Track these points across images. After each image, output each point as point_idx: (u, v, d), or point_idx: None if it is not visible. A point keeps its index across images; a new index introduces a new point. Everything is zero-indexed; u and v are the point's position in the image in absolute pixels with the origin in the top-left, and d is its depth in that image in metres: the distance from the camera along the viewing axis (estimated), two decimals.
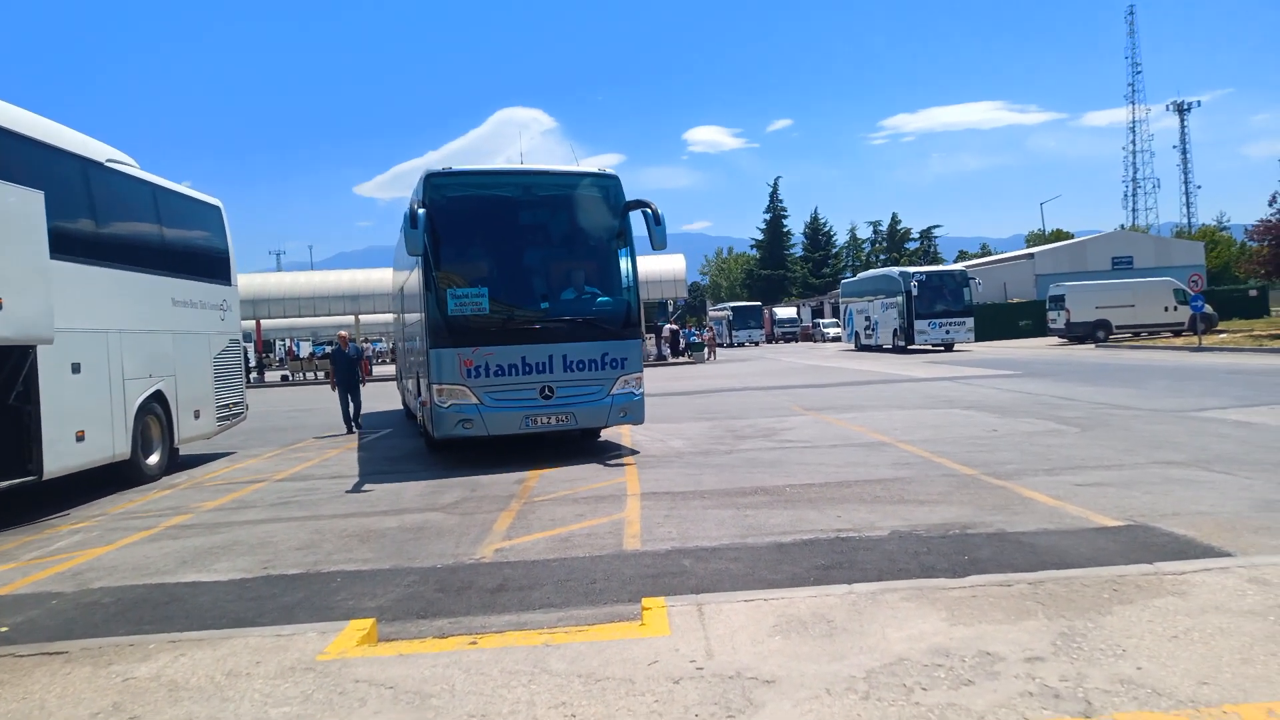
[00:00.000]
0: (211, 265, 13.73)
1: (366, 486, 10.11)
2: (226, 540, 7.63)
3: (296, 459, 12.97)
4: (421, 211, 10.33)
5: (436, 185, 10.92)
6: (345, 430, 15.95)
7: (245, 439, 15.75)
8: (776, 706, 3.60)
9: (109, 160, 11.11)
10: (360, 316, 40.26)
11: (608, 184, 11.77)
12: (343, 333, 17.04)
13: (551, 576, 5.90)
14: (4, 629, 5.40)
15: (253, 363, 41.61)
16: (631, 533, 7.04)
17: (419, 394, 13.06)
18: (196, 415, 12.72)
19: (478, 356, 10.82)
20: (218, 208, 14.09)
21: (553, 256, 12.07)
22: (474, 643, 4.55)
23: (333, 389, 16.54)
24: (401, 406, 19.37)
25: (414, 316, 13.20)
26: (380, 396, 23.08)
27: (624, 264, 11.73)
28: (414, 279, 12.40)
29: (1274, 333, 32.96)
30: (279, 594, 5.87)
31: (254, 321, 40.70)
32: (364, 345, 49.62)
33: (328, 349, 47.16)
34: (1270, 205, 31.33)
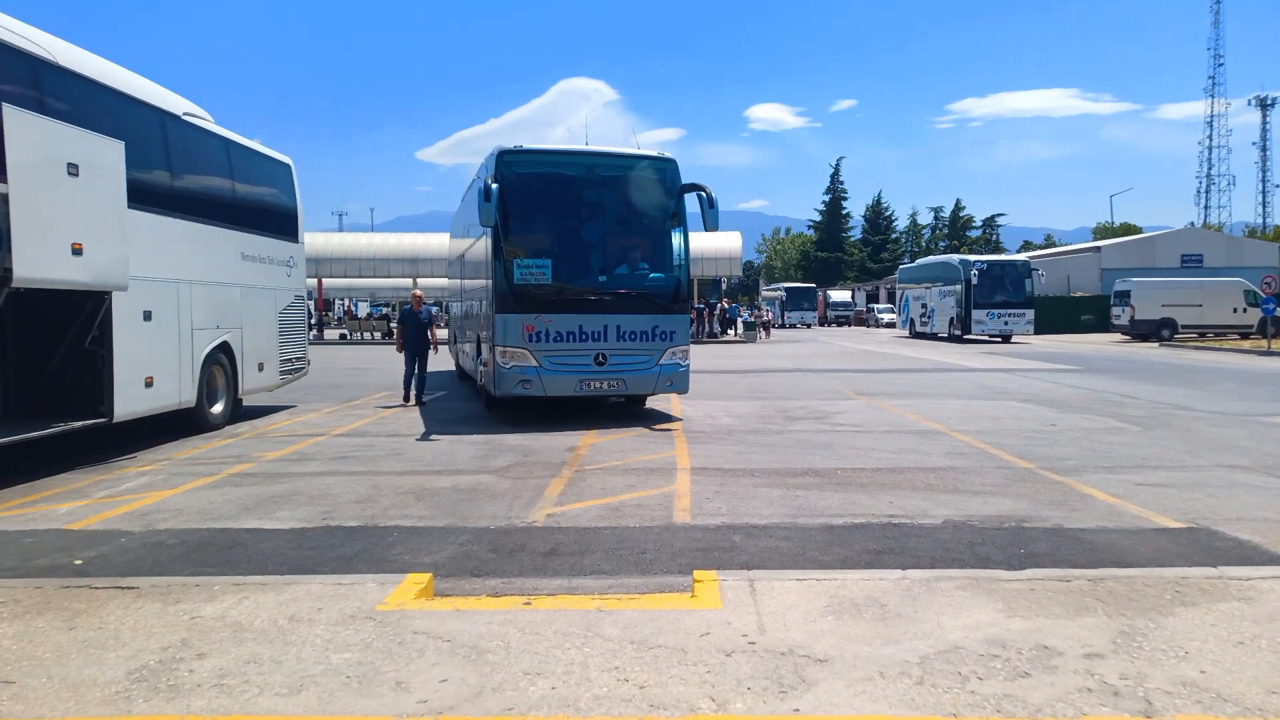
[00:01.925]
0: (280, 222, 13.97)
1: (422, 446, 10.28)
2: (287, 490, 7.83)
3: (354, 415, 13.23)
4: (495, 186, 10.94)
5: (508, 161, 11.64)
6: (403, 399, 14.70)
7: (305, 394, 16.08)
8: (829, 685, 3.60)
9: (186, 114, 11.34)
10: (418, 280, 40.76)
11: (665, 166, 12.42)
12: (418, 292, 15.72)
13: (602, 544, 5.96)
14: (79, 562, 5.62)
15: (314, 320, 42.46)
16: (681, 506, 7.07)
17: (479, 356, 13.53)
18: (260, 368, 13.02)
19: (539, 323, 11.54)
20: (288, 165, 14.32)
21: (611, 233, 12.80)
22: (528, 603, 4.63)
23: (399, 350, 15.13)
24: (455, 368, 19.61)
25: (477, 283, 13.71)
26: (434, 359, 23.34)
27: (676, 242, 12.39)
28: (479, 247, 13.03)
29: None
30: (338, 544, 6.02)
31: (316, 280, 41.44)
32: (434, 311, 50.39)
33: (385, 310, 46.53)
34: None
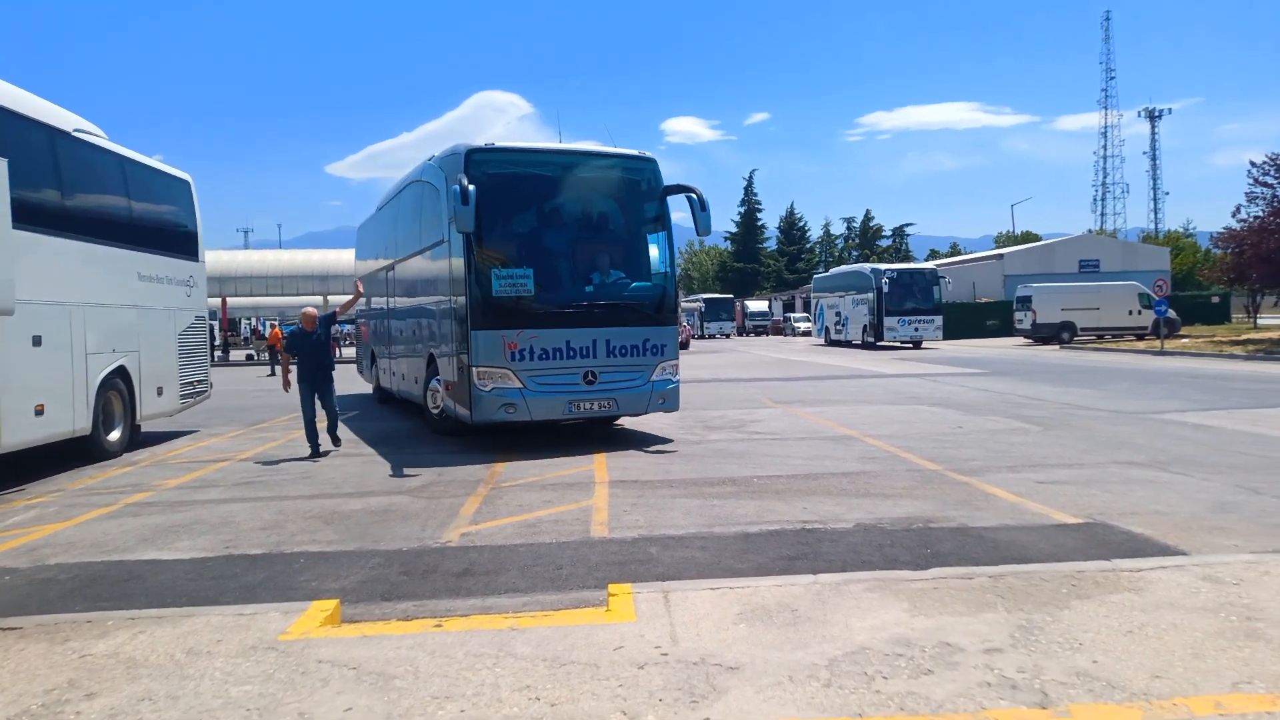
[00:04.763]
0: (179, 240, 13.50)
1: (332, 468, 10.02)
2: (188, 518, 7.53)
3: (261, 438, 12.83)
4: (472, 188, 9.86)
5: (478, 161, 10.52)
6: (310, 450, 10.97)
7: (209, 418, 15.54)
8: (739, 693, 3.63)
9: (76, 130, 10.88)
10: (329, 297, 39.81)
11: (648, 166, 11.63)
12: (310, 309, 11.61)
13: (518, 561, 5.89)
14: None
15: (218, 341, 41.06)
16: (599, 520, 7.05)
17: (431, 378, 12.30)
18: (160, 392, 12.53)
19: (522, 339, 10.54)
20: (187, 182, 13.86)
21: (594, 238, 11.78)
22: (439, 625, 4.54)
23: (286, 388, 11.58)
24: (372, 389, 19.07)
25: (428, 299, 12.43)
26: (339, 378, 22.80)
27: (663, 247, 11.63)
28: (431, 258, 12.04)
29: (1234, 339, 33.65)
30: (241, 573, 5.82)
31: (220, 299, 40.14)
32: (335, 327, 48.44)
33: (273, 324, 42.51)
34: (1234, 215, 31.95)
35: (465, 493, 8.33)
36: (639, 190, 11.61)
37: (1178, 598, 4.64)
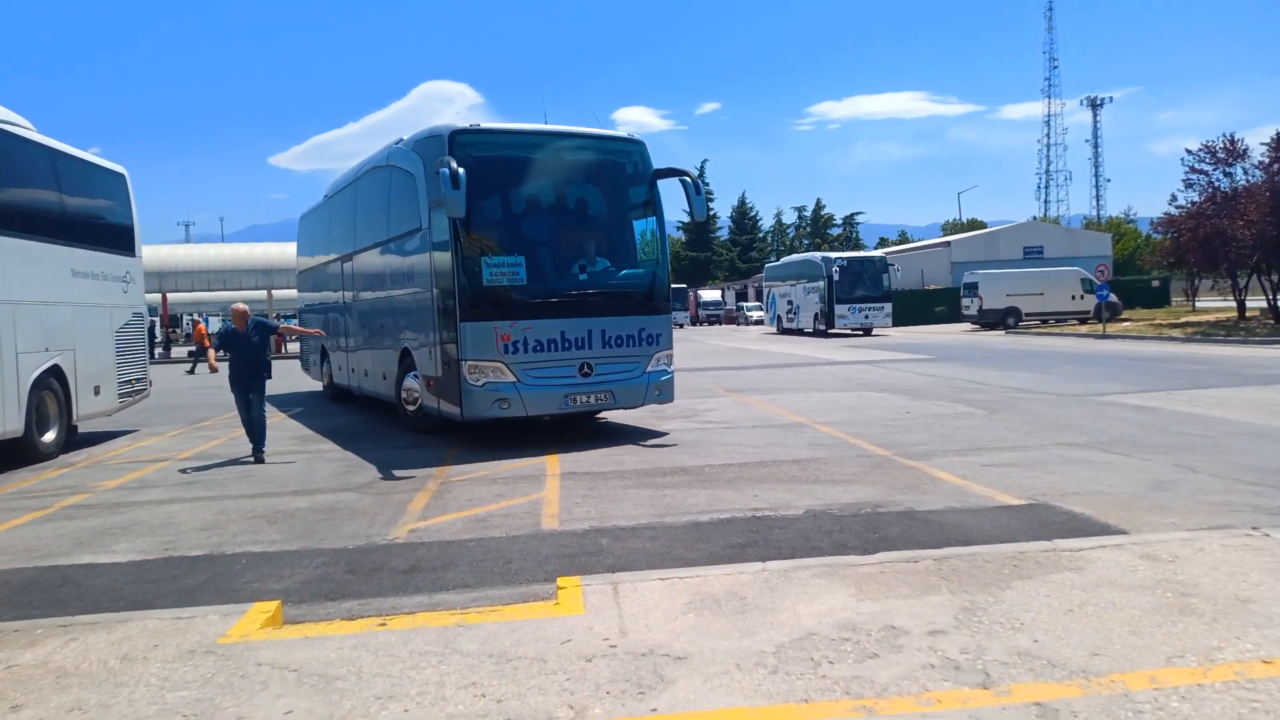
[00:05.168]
0: (114, 235, 13.11)
1: (276, 466, 9.82)
2: (126, 521, 7.33)
3: (203, 437, 12.53)
4: (462, 171, 9.28)
5: (463, 144, 9.97)
6: (253, 450, 10.25)
7: (150, 416, 15.15)
8: (687, 682, 3.62)
9: (3, 122, 10.49)
10: (274, 291, 39.02)
11: (638, 149, 11.34)
12: (240, 305, 10.57)
13: (466, 557, 5.83)
14: None
15: (158, 338, 40.02)
16: (550, 512, 7.00)
17: (408, 373, 11.64)
18: (96, 391, 12.17)
19: (515, 330, 10.09)
20: (122, 175, 13.45)
21: (585, 223, 11.42)
22: (383, 624, 4.46)
23: (212, 369, 11.14)
24: (322, 386, 18.57)
25: (406, 290, 11.76)
26: (280, 374, 22.37)
27: (655, 233, 11.34)
28: (408, 248, 11.50)
29: (1174, 321, 34.58)
30: (180, 576, 5.67)
31: (160, 295, 39.15)
32: (278, 319, 46.91)
33: (199, 322, 41.08)
34: (1171, 201, 32.79)
35: (414, 488, 8.22)
36: (630, 174, 11.34)
37: (1116, 576, 4.73)
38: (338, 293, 15.74)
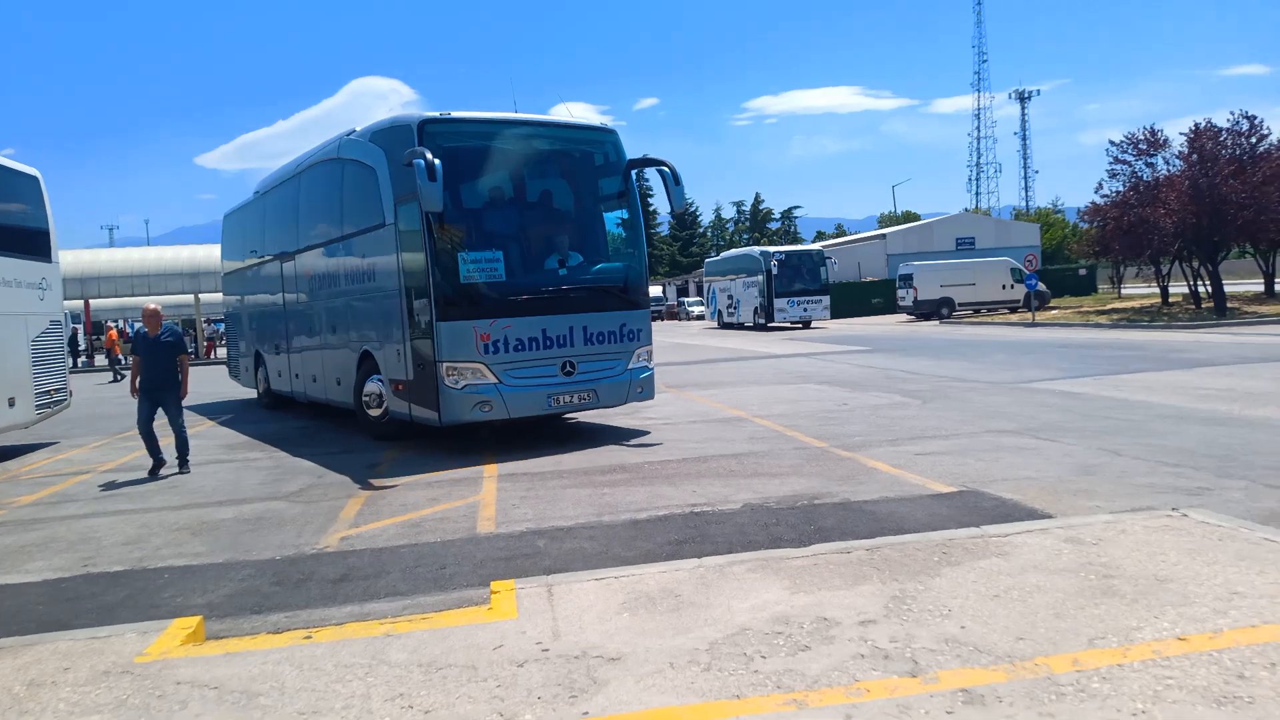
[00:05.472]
0: (28, 240, 12.59)
1: (202, 476, 9.53)
2: (42, 537, 7.04)
3: (126, 448, 12.10)
4: (438, 163, 8.83)
5: (433, 134, 9.51)
6: (151, 467, 9.69)
7: (70, 428, 14.61)
8: (620, 684, 3.58)
9: None
10: (202, 296, 37.97)
11: (611, 138, 11.05)
12: (152, 305, 9.97)
13: (399, 564, 5.72)
14: None
15: (81, 346, 38.68)
16: (486, 515, 6.91)
17: (367, 378, 11.15)
18: (11, 403, 11.67)
19: (495, 330, 9.67)
20: (35, 178, 12.93)
21: (561, 216, 11.13)
22: (309, 637, 4.34)
23: (133, 394, 9.87)
24: (257, 394, 17.88)
25: (366, 289, 11.14)
26: (208, 380, 21.74)
27: (633, 224, 11.09)
28: (370, 244, 10.94)
29: (1100, 309, 35.64)
30: (99, 593, 5.46)
31: (82, 302, 37.82)
32: (204, 326, 44.97)
33: (117, 328, 39.22)
34: (1097, 191, 33.72)
35: (346, 494, 8.04)
36: (605, 164, 11.03)
37: (1042, 560, 4.83)
38: (275, 295, 15.02)
